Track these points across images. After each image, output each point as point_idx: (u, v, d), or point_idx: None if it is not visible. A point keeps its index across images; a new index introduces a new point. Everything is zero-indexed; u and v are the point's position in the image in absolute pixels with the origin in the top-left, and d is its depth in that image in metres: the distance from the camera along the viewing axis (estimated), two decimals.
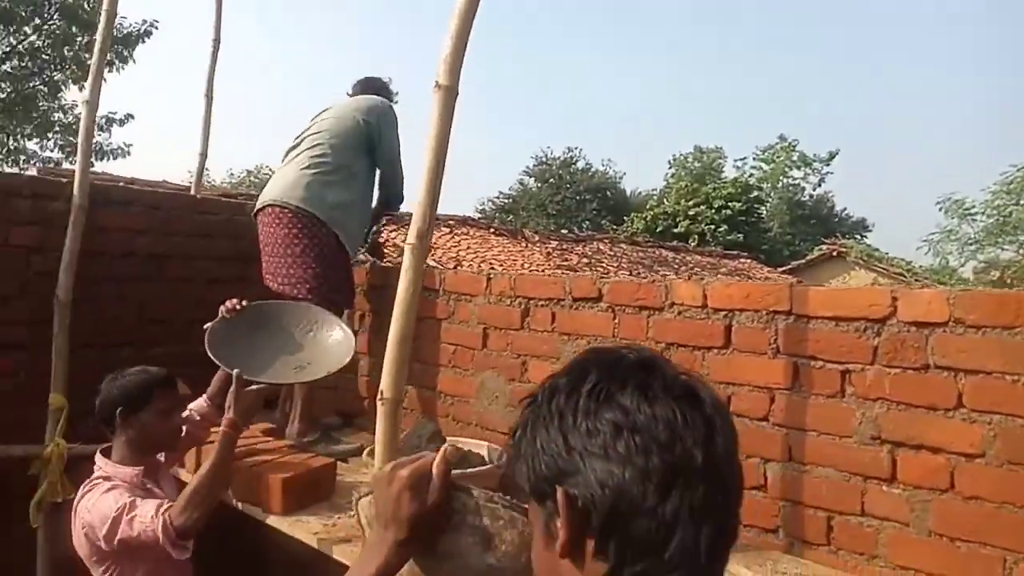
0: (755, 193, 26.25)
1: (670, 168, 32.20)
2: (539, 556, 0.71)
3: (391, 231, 6.35)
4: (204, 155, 4.12)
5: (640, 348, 0.73)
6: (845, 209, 31.40)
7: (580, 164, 30.60)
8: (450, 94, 1.72)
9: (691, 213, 23.48)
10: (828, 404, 1.93)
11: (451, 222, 8.69)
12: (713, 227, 22.94)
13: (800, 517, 1.98)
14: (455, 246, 7.65)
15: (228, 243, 3.65)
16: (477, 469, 2.36)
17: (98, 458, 2.17)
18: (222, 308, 2.47)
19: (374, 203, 3.23)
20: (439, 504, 0.92)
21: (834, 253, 17.74)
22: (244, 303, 2.49)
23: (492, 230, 9.60)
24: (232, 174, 30.57)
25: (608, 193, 29.75)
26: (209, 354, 2.34)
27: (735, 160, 34.58)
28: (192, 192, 3.92)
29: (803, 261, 18.54)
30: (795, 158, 31.03)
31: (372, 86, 3.29)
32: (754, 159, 31.62)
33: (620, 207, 28.88)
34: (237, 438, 2.10)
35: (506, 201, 30.54)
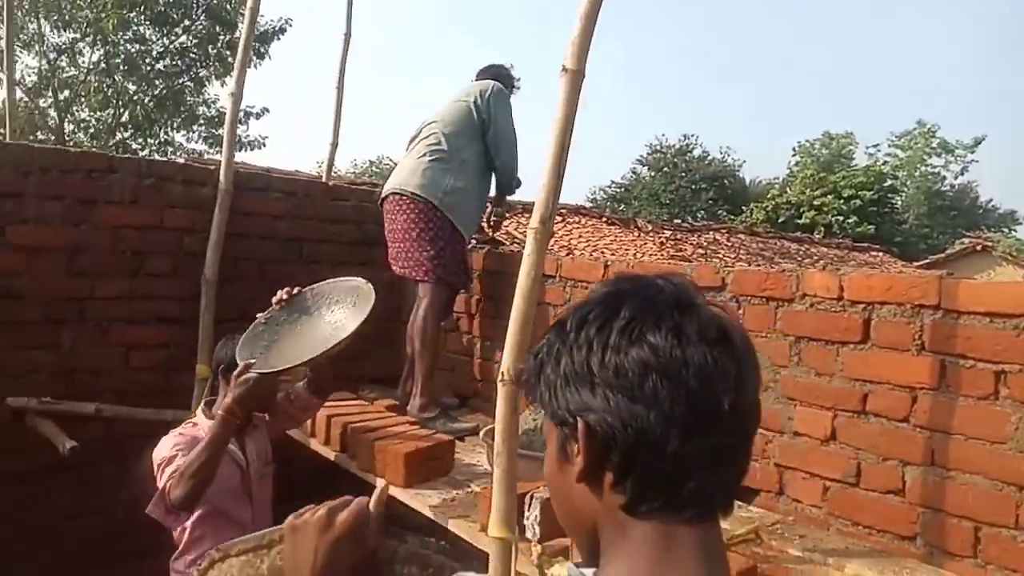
0: (889, 182, 24.57)
1: (795, 156, 30.72)
2: (553, 475, 0.70)
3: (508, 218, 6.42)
4: (335, 144, 4.30)
5: (678, 280, 0.70)
6: (991, 200, 28.94)
7: (696, 152, 29.53)
8: (577, 78, 1.70)
9: (817, 203, 22.30)
10: (979, 407, 1.78)
11: (563, 211, 8.67)
12: (841, 218, 21.67)
13: (941, 526, 1.84)
14: (567, 235, 7.63)
15: (355, 228, 3.82)
16: None
17: (201, 406, 2.32)
18: (274, 298, 2.46)
19: (493, 188, 3.27)
20: (376, 551, 0.86)
21: (978, 247, 16.30)
22: (296, 290, 2.47)
23: (605, 219, 9.50)
24: (355, 164, 31.89)
25: (726, 182, 28.51)
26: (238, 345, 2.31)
27: (868, 147, 32.45)
28: (324, 179, 4.10)
29: (942, 255, 17.10)
30: (935, 144, 28.80)
31: (491, 72, 3.33)
32: (889, 146, 29.65)
33: (738, 197, 27.69)
34: (232, 423, 2.08)
35: (618, 190, 29.99)
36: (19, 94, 11.44)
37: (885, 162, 28.60)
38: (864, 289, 1.99)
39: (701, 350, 0.62)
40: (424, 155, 3.07)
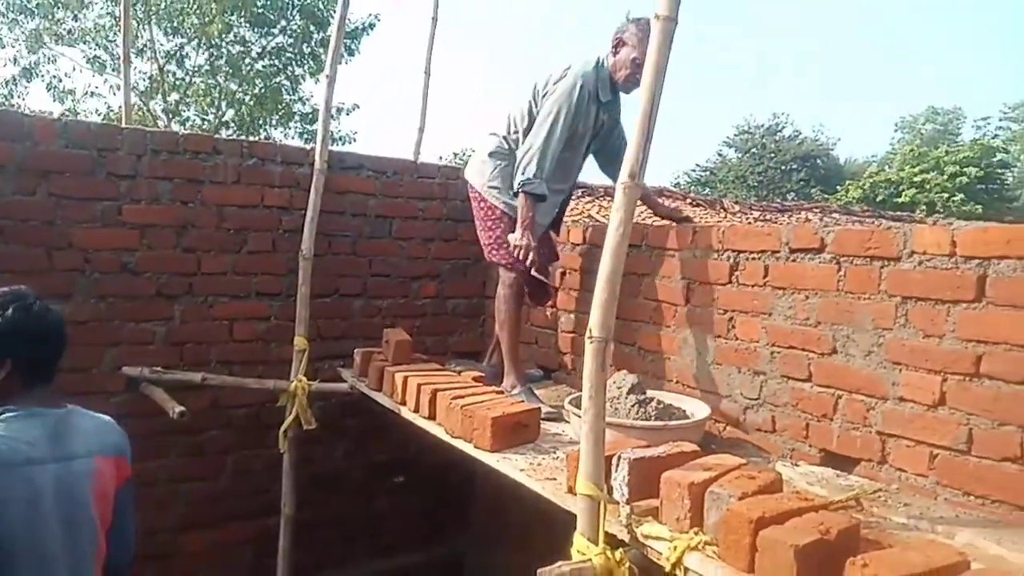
0: (999, 157, 22.79)
1: (896, 132, 28.96)
2: None
3: (586, 202, 6.30)
4: (422, 129, 4.34)
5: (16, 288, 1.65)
6: None
7: (787, 131, 28.20)
8: (669, 25, 1.64)
9: (918, 180, 20.95)
10: None
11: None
12: (945, 195, 20.30)
13: None
14: (649, 216, 7.44)
15: (441, 204, 3.87)
16: (679, 422, 2.32)
17: None
18: None
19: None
20: None
21: None
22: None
23: (689, 200, 9.20)
24: (441, 158, 32.35)
25: (819, 162, 27.19)
26: None
27: (976, 120, 30.18)
28: (412, 159, 4.15)
29: None
30: None
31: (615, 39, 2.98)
32: (1001, 118, 27.45)
33: (832, 177, 26.33)
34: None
35: (703, 174, 28.91)
36: (133, 98, 12.19)
37: (995, 136, 26.52)
38: (980, 244, 1.83)
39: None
40: (487, 143, 3.11)
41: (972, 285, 1.85)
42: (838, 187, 24.03)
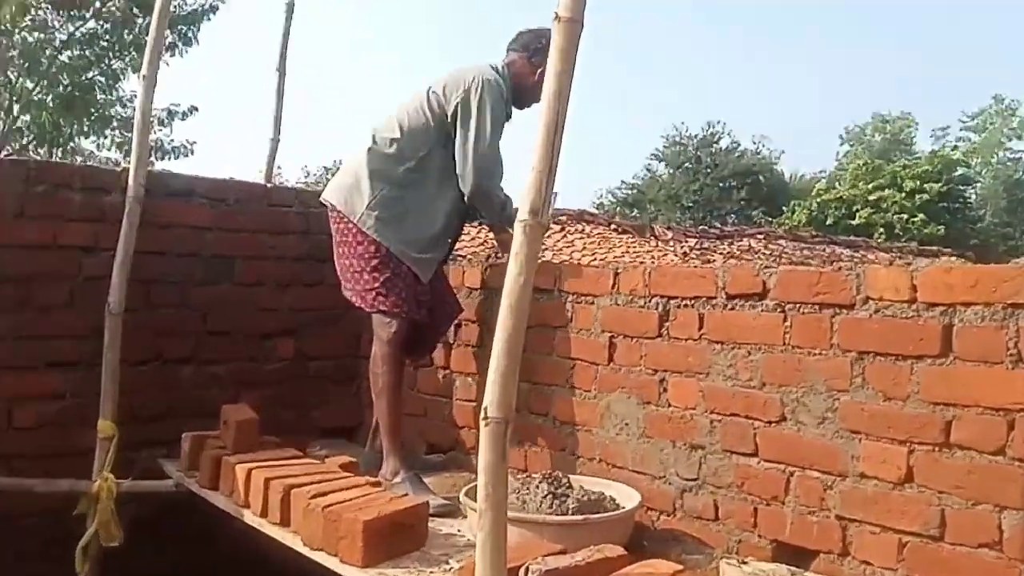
0: (960, 171, 24.75)
1: (843, 144, 30.96)
2: None
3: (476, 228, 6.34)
4: (276, 140, 4.28)
5: None
6: None
7: (723, 142, 29.71)
8: (573, 28, 1.64)
9: (873, 198, 22.41)
10: None
11: (562, 218, 8.60)
12: (904, 216, 21.78)
13: None
14: (568, 246, 7.56)
15: (301, 240, 3.78)
16: (603, 515, 2.31)
17: None
18: None
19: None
20: None
21: None
22: None
23: (614, 227, 9.44)
24: (307, 172, 31.84)
25: (761, 178, 28.68)
26: None
27: (933, 130, 32.68)
28: (263, 181, 4.08)
29: None
30: (1015, 124, 29.01)
31: (522, 41, 3.20)
32: (961, 128, 29.84)
33: (777, 195, 27.90)
34: None
35: (630, 192, 30.02)
36: None
37: (955, 147, 28.76)
38: (942, 287, 1.91)
39: None
40: (365, 160, 3.06)
41: (937, 337, 1.91)
42: (783, 207, 25.38)
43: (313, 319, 3.80)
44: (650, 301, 2.61)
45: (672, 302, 2.54)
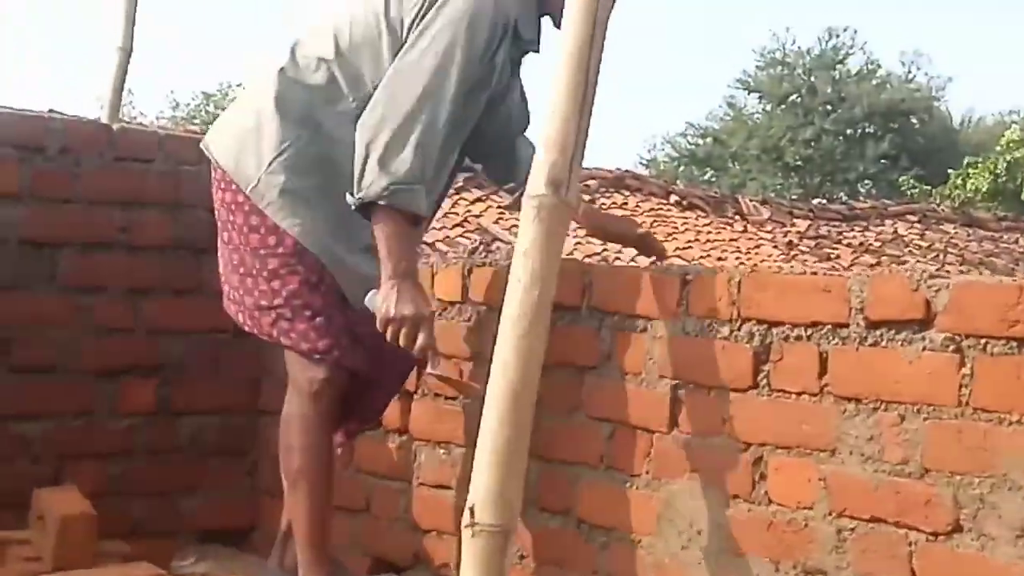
0: None
1: None
2: None
3: (469, 202, 5.37)
4: (127, 51, 3.28)
5: None
6: None
7: (854, 62, 21.78)
8: None
9: None
10: None
11: (591, 183, 7.00)
12: None
13: None
14: (585, 243, 6.36)
15: (168, 218, 2.93)
16: None
17: None
18: None
19: None
20: None
21: None
22: None
23: (675, 198, 7.86)
24: (175, 103, 25.29)
25: (914, 121, 21.12)
26: None
27: None
28: (104, 120, 3.15)
29: None
30: None
31: None
32: None
33: (941, 149, 20.52)
34: None
35: (700, 142, 22.15)
36: None
37: None
38: None
39: None
40: (265, 90, 2.22)
41: None
42: (950, 169, 18.08)
43: (185, 349, 2.90)
44: (739, 329, 2.01)
45: (775, 331, 1.97)
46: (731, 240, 6.57)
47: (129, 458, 2.85)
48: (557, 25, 2.15)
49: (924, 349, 1.70)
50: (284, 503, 2.41)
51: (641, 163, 21.20)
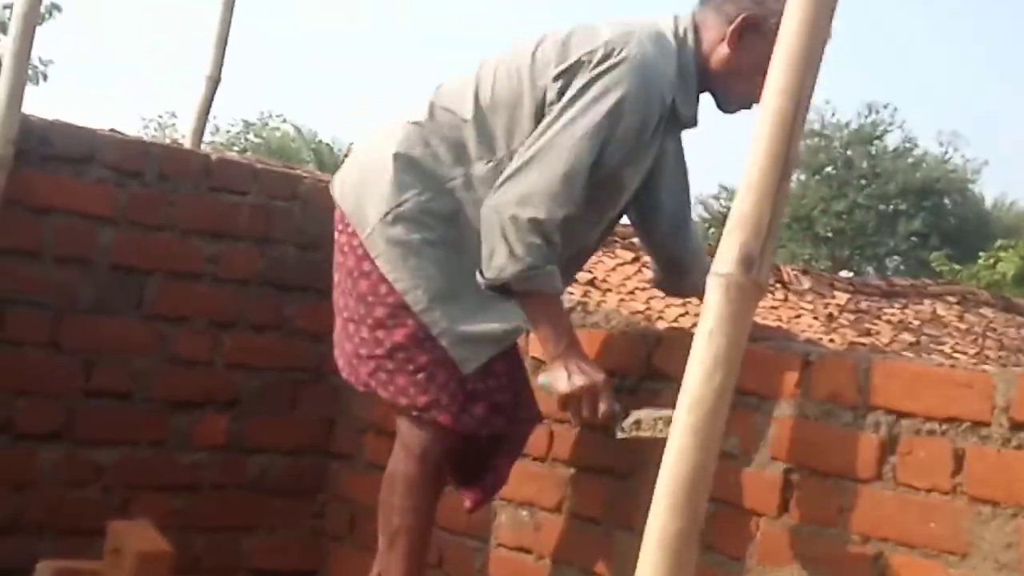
0: None
1: None
2: None
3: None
4: (215, 80, 3.34)
5: None
6: None
7: (892, 137, 21.30)
8: None
9: None
10: None
11: (619, 241, 6.20)
12: None
13: None
14: (628, 295, 5.81)
15: (256, 250, 2.89)
16: None
17: None
18: None
19: None
20: None
21: None
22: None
23: None
24: (216, 129, 24.43)
25: (947, 201, 21.01)
26: None
27: None
28: (190, 146, 3.19)
29: None
30: None
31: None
32: None
33: (972, 230, 20.29)
34: None
35: (729, 205, 24.73)
36: None
37: None
38: None
39: None
40: (395, 139, 2.13)
41: None
42: (980, 251, 17.53)
43: (262, 386, 2.85)
44: (865, 417, 1.91)
45: (905, 423, 1.88)
46: (771, 308, 6.37)
47: (195, 493, 2.84)
48: (720, 105, 2.19)
49: None
50: (378, 560, 2.33)
51: None
